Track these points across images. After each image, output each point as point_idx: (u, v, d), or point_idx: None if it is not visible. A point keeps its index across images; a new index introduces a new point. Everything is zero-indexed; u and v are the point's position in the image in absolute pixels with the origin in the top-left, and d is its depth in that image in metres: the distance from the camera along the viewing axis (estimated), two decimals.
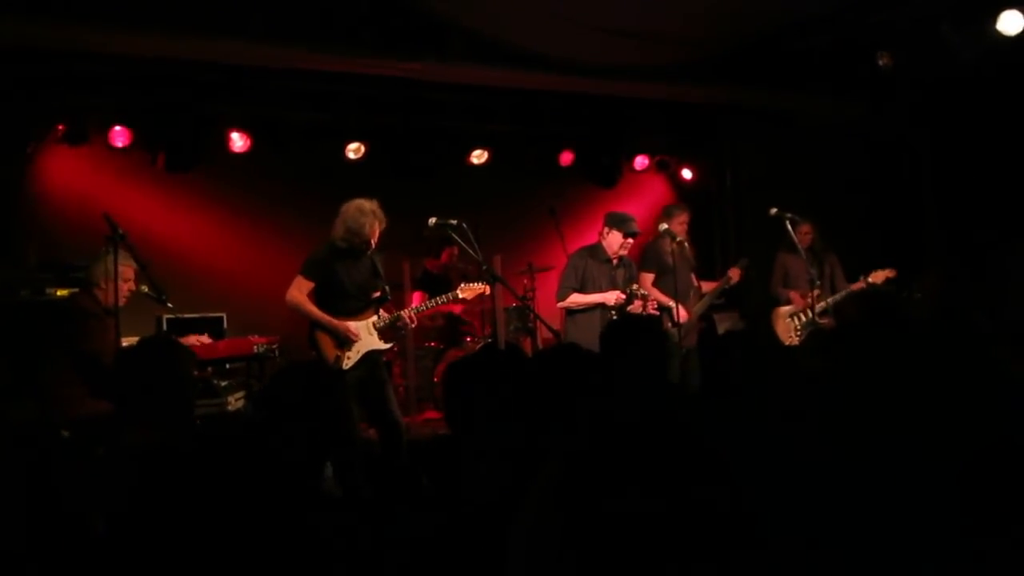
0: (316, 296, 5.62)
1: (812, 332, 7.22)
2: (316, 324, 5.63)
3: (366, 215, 5.53)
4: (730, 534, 0.85)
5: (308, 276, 5.61)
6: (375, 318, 5.77)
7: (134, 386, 2.89)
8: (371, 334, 5.73)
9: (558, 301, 6.35)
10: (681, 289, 6.55)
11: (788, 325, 7.66)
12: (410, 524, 2.28)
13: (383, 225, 5.62)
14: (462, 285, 6.23)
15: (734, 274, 7.09)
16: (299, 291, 5.58)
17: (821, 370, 2.81)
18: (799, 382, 2.90)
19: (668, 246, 6.88)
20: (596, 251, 6.38)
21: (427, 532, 2.21)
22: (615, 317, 6.04)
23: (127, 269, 5.38)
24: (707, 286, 7.13)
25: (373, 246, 5.68)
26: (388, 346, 5.90)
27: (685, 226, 6.85)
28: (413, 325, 6.05)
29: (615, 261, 6.37)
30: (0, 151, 7.08)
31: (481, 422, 2.61)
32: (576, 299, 6.24)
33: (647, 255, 6.85)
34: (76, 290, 5.90)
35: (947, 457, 1.89)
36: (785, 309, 7.77)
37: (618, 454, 0.92)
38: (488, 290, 6.30)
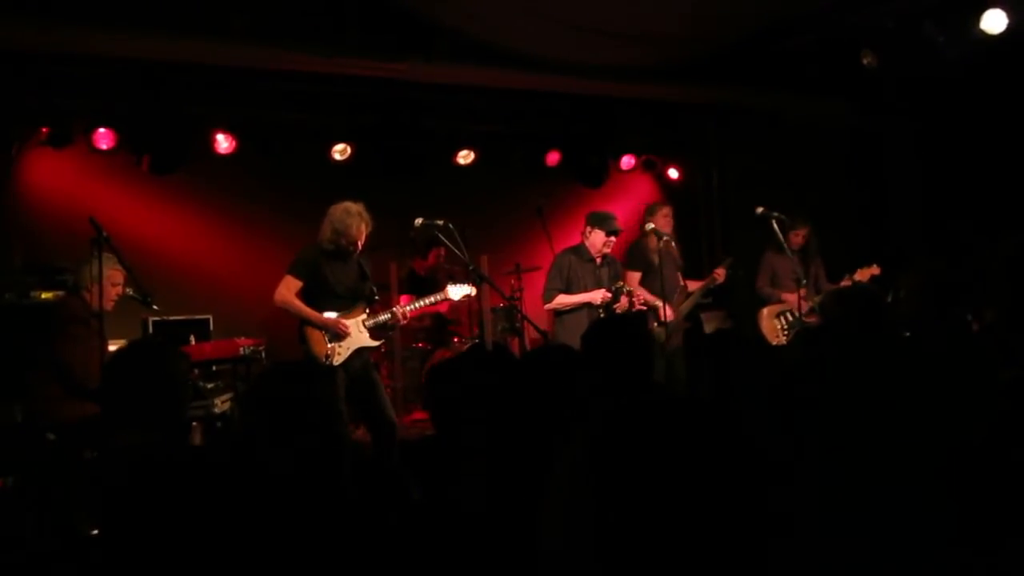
0: (304, 297, 5.63)
1: (799, 331, 7.21)
2: (306, 321, 5.63)
3: (352, 217, 5.56)
4: (759, 503, 0.86)
5: (296, 275, 5.62)
6: (364, 316, 5.79)
7: (129, 388, 2.87)
8: (361, 332, 5.75)
9: (544, 303, 6.35)
10: (667, 288, 6.54)
11: (774, 325, 7.66)
12: (398, 525, 2.28)
13: (369, 227, 5.65)
14: (450, 285, 6.27)
15: (719, 274, 7.05)
16: (288, 290, 5.59)
17: (807, 369, 2.82)
18: (785, 381, 2.91)
19: (654, 245, 6.88)
20: (580, 251, 6.39)
21: (415, 532, 2.20)
22: (602, 315, 6.04)
23: (116, 273, 5.37)
24: (693, 285, 7.12)
25: (359, 248, 5.70)
26: (377, 344, 5.92)
27: (670, 219, 6.85)
28: (404, 322, 6.06)
29: (599, 260, 6.37)
30: None
31: (465, 423, 2.61)
32: (562, 300, 6.24)
33: (633, 254, 6.85)
34: (62, 293, 5.89)
35: (935, 457, 1.89)
36: (770, 309, 7.76)
37: (647, 425, 0.93)
38: (475, 291, 6.33)
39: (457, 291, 6.25)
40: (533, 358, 3.27)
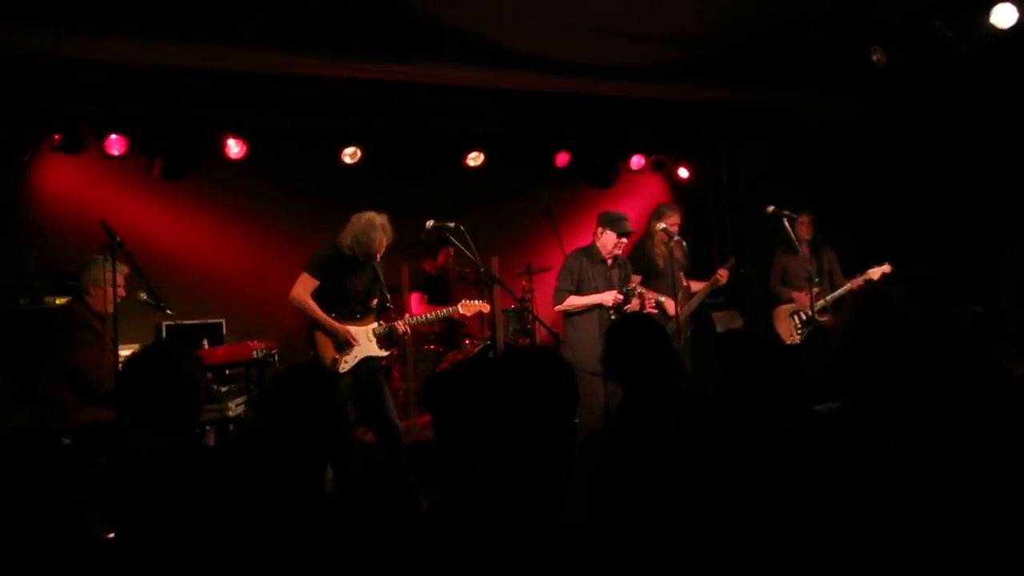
0: (318, 298, 5.62)
1: (813, 331, 7.21)
2: (316, 324, 5.63)
3: (376, 230, 5.54)
4: (770, 489, 0.87)
5: (313, 273, 5.61)
6: (375, 325, 5.78)
7: (143, 391, 2.91)
8: (370, 340, 5.74)
9: (555, 304, 6.30)
10: (671, 291, 6.52)
11: (789, 324, 7.64)
12: (401, 524, 2.30)
13: (390, 240, 5.64)
14: (463, 301, 6.31)
15: (722, 275, 7.01)
16: (304, 289, 5.59)
17: (822, 370, 2.82)
18: (800, 381, 2.91)
19: (657, 247, 6.87)
20: (591, 252, 6.34)
21: (415, 532, 2.22)
22: (613, 317, 6.03)
23: (116, 275, 5.36)
24: (696, 286, 7.09)
25: (378, 259, 5.70)
26: (385, 353, 5.90)
27: (677, 227, 6.84)
28: (407, 336, 6.04)
29: (610, 261, 6.34)
30: None
31: (455, 428, 2.65)
32: (573, 301, 6.20)
33: (634, 256, 6.81)
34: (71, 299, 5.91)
35: (955, 452, 1.89)
36: (786, 308, 7.75)
37: (668, 420, 0.95)
38: (488, 308, 6.37)
39: (469, 307, 6.30)
40: (503, 365, 3.27)
